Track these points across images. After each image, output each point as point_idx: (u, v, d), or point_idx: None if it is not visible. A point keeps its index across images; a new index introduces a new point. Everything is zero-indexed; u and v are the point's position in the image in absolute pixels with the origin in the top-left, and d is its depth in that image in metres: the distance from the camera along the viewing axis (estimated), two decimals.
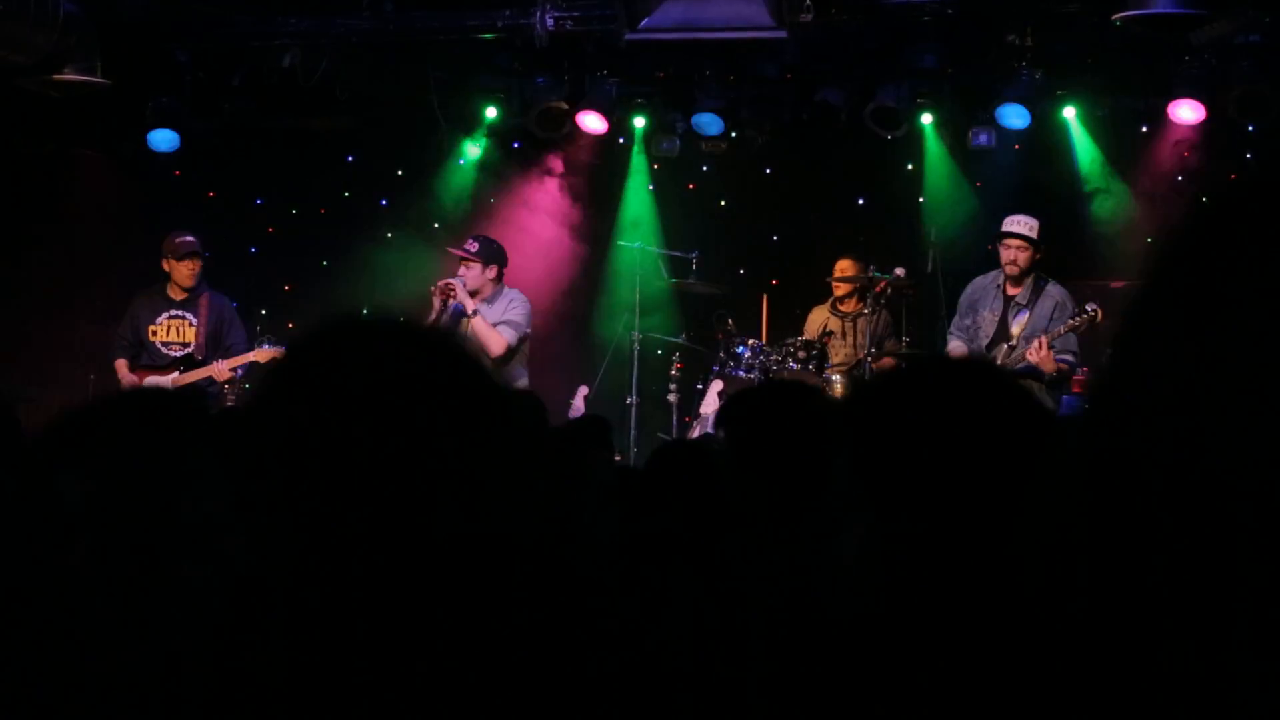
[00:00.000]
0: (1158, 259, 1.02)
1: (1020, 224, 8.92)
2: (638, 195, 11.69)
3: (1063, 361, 8.58)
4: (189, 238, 9.65)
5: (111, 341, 9.78)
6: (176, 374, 9.53)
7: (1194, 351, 0.94)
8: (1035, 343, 8.57)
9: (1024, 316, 8.82)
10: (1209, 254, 0.98)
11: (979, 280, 9.21)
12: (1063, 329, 8.60)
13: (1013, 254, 8.85)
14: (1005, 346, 8.87)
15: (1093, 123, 10.71)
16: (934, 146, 10.99)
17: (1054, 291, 8.79)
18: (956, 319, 9.27)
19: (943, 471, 1.82)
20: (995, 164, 10.96)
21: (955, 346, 9.11)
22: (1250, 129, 10.27)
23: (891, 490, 1.85)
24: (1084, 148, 10.78)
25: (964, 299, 9.25)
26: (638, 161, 11.62)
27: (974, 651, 1.70)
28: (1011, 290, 8.93)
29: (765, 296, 10.55)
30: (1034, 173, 10.87)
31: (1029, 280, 8.87)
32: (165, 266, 9.70)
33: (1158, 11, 8.20)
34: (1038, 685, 0.99)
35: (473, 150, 11.67)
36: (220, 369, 9.48)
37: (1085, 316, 8.56)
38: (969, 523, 1.79)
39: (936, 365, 2.06)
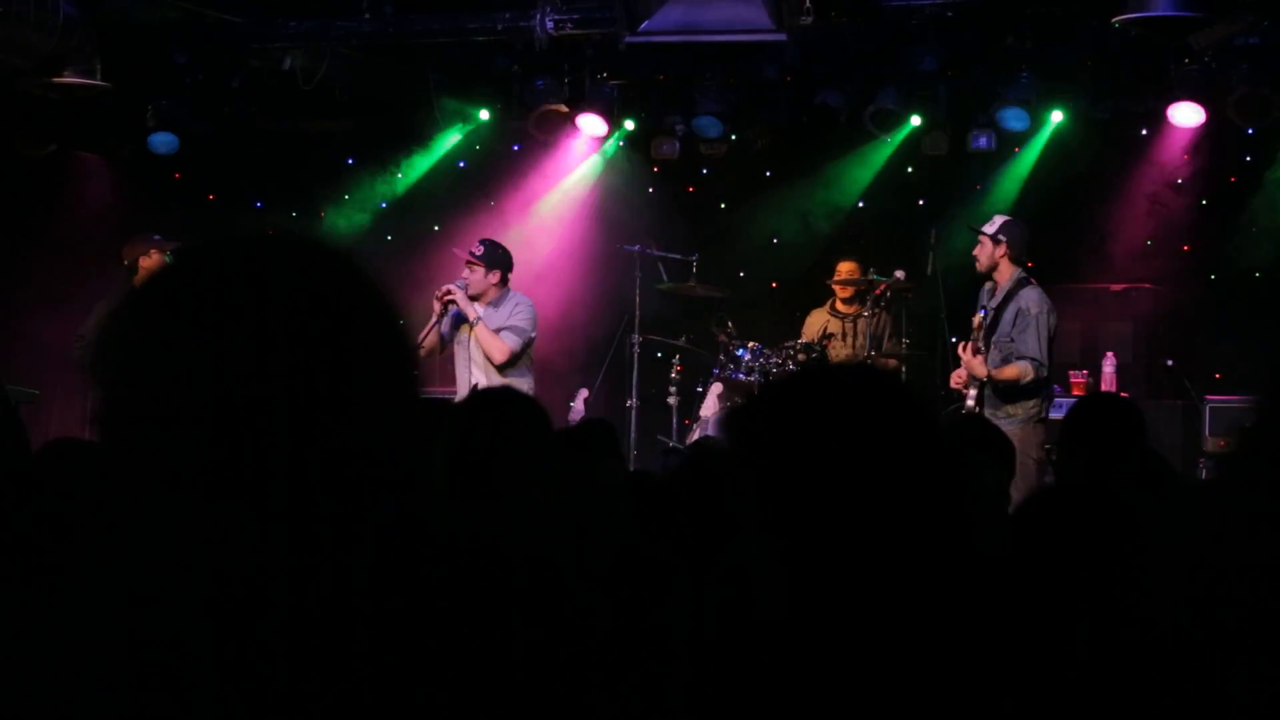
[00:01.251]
0: None
1: (988, 221, 8.96)
2: (638, 198, 11.69)
3: (1015, 365, 8.48)
4: (157, 235, 9.61)
5: (78, 343, 9.59)
6: None
7: None
8: (960, 346, 8.58)
9: (998, 321, 8.80)
10: None
11: (988, 284, 9.23)
12: (976, 329, 8.59)
13: (975, 250, 8.90)
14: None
15: (1092, 125, 10.71)
16: (933, 149, 10.98)
17: (1022, 296, 8.70)
18: None
19: (824, 492, 1.80)
20: (995, 166, 10.97)
21: (963, 346, 9.11)
22: (1250, 131, 10.28)
23: (781, 514, 1.83)
24: (1083, 150, 10.77)
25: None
26: (637, 164, 11.62)
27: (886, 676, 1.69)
28: (995, 292, 8.94)
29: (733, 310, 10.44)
30: (1033, 175, 10.88)
31: (1005, 283, 8.83)
32: (142, 263, 9.53)
33: (1157, 14, 8.21)
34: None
35: (469, 150, 11.69)
36: None
37: (976, 320, 8.60)
38: (857, 542, 1.77)
39: (809, 382, 2.03)
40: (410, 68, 10.92)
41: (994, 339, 8.65)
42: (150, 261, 9.59)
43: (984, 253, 8.82)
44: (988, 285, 9.02)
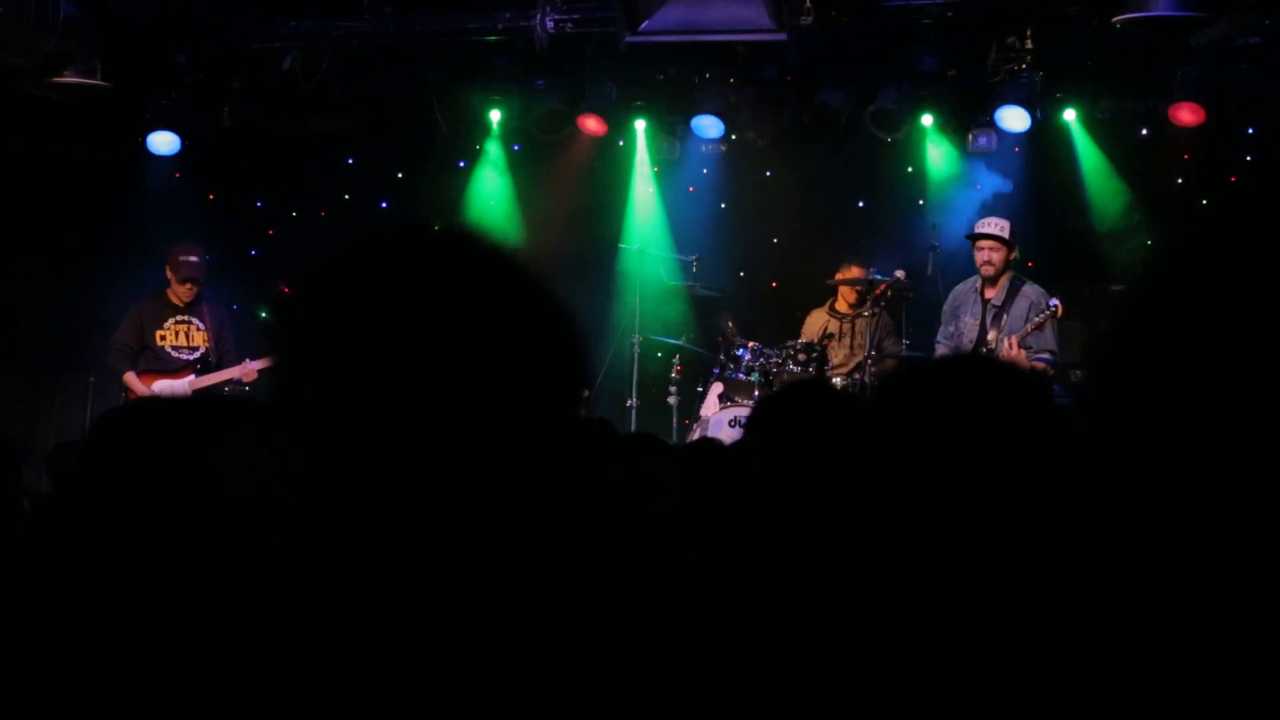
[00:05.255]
0: (1158, 264, 1.02)
1: (992, 225, 9.00)
2: (638, 198, 11.68)
3: (1039, 359, 8.57)
4: (193, 259, 9.70)
5: (111, 348, 9.74)
6: (192, 376, 9.57)
7: (1187, 356, 0.94)
8: (1005, 343, 8.61)
9: (1004, 319, 8.83)
10: (1210, 266, 0.98)
11: (959, 288, 9.26)
12: (1029, 327, 8.64)
13: (986, 254, 8.93)
14: (984, 350, 8.92)
15: (1093, 125, 10.71)
16: (934, 149, 10.98)
17: (1029, 291, 8.81)
18: (941, 329, 9.36)
19: (960, 509, 1.74)
20: (995, 166, 10.97)
21: (940, 352, 9.13)
22: (1250, 131, 10.27)
23: (905, 533, 1.78)
24: (1084, 150, 10.77)
25: (946, 308, 9.32)
26: (638, 164, 11.61)
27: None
28: (988, 293, 8.96)
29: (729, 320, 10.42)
30: (1034, 175, 10.87)
31: (1004, 282, 8.89)
32: (169, 274, 9.78)
33: (1158, 14, 8.21)
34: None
35: (471, 152, 11.68)
36: (249, 370, 9.55)
37: (1047, 313, 8.61)
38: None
39: (947, 375, 1.95)
40: (410, 68, 10.91)
41: (1005, 335, 8.70)
42: (170, 277, 9.73)
43: (999, 257, 8.88)
44: (972, 284, 9.05)
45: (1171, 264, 1.01)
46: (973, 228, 9.37)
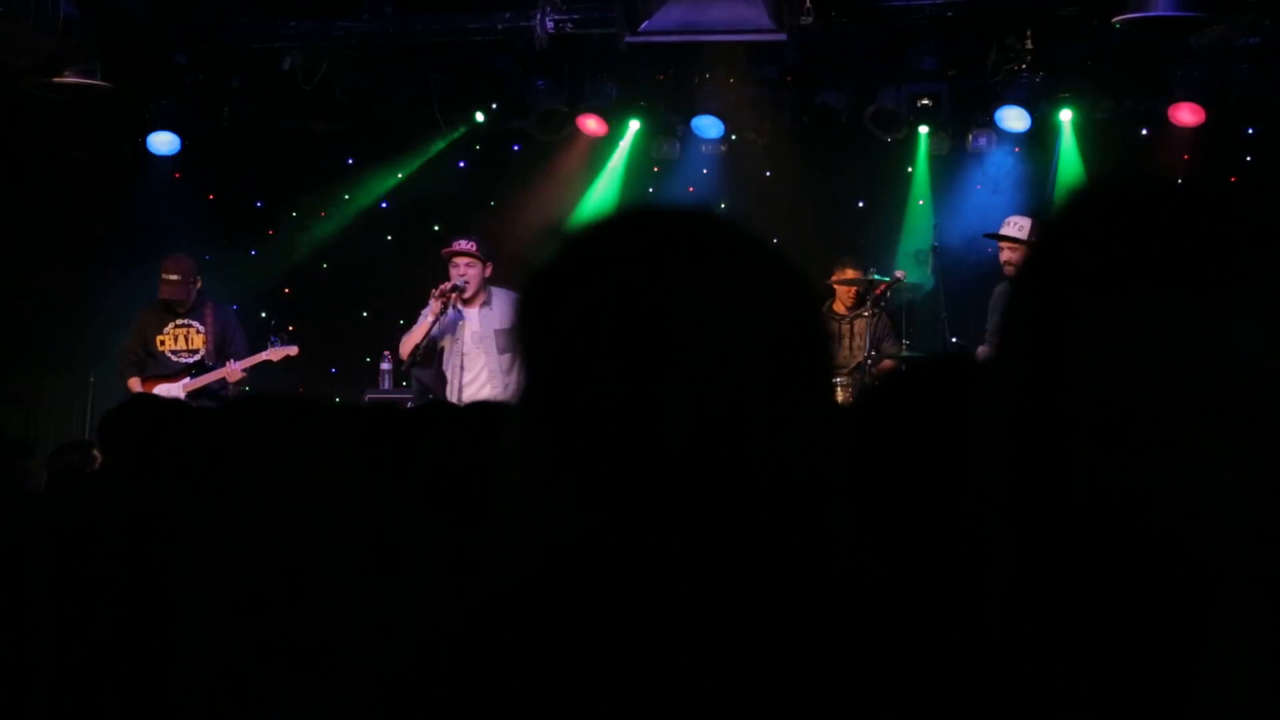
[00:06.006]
0: (1024, 264, 1.09)
1: (1010, 225, 8.96)
2: (638, 198, 11.67)
3: None
4: (174, 277, 9.58)
5: (120, 359, 9.76)
6: (188, 379, 9.57)
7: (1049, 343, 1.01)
8: (984, 345, 8.62)
9: None
10: (1061, 258, 1.04)
11: (1000, 286, 9.23)
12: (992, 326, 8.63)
13: (1005, 255, 8.93)
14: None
15: (1093, 125, 10.70)
16: (934, 149, 10.98)
17: None
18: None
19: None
20: (995, 166, 10.96)
21: (981, 351, 9.11)
22: (1250, 132, 10.27)
23: (893, 534, 1.80)
24: (1083, 150, 10.77)
25: (989, 306, 9.29)
26: (637, 164, 11.61)
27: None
28: None
29: None
30: (1033, 175, 10.87)
31: None
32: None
33: (1158, 14, 8.21)
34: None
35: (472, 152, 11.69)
36: (233, 370, 9.54)
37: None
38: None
39: (927, 377, 1.97)
40: (410, 68, 10.91)
41: None
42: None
43: (1017, 256, 8.82)
44: (1003, 287, 9.02)
45: (1031, 265, 1.05)
46: (998, 228, 9.30)
